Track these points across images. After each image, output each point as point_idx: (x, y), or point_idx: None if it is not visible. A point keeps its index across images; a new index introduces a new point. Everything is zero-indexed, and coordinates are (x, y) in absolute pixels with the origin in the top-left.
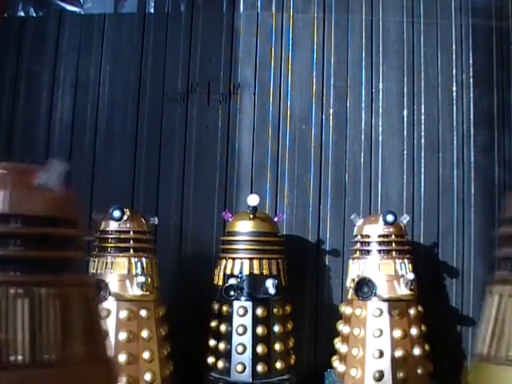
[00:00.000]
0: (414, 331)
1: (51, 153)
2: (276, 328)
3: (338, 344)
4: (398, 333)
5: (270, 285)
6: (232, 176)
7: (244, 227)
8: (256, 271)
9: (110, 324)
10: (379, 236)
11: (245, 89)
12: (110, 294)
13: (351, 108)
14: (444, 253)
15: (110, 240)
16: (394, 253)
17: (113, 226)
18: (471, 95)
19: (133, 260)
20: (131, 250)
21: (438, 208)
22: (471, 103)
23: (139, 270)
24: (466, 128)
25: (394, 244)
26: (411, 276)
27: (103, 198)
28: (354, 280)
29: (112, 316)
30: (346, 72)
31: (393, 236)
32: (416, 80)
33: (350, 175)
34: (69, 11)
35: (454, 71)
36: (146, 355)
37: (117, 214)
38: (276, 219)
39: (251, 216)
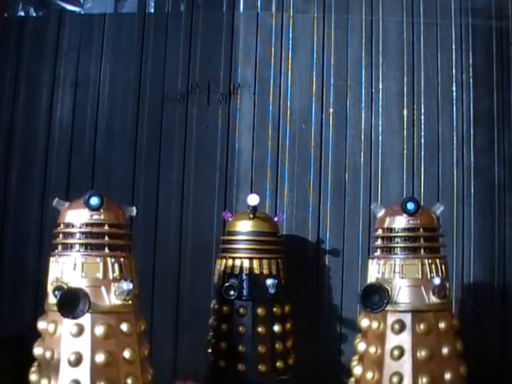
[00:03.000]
0: (445, 350)
1: (51, 153)
2: (276, 328)
3: (354, 363)
4: (423, 352)
5: (270, 285)
6: (232, 176)
7: (244, 227)
8: (256, 271)
9: (83, 344)
10: (403, 230)
11: (245, 89)
12: (89, 307)
13: (351, 108)
14: (444, 253)
15: (78, 235)
16: (421, 251)
17: (82, 217)
18: (471, 95)
19: (109, 260)
20: (106, 248)
21: None
22: (471, 103)
23: (117, 273)
24: (465, 128)
25: (422, 240)
26: (437, 281)
27: None
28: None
29: (86, 333)
30: (346, 72)
31: (421, 230)
32: (416, 80)
33: (349, 175)
34: (69, 11)
35: (454, 71)
36: (129, 381)
37: (95, 201)
38: (276, 219)
39: (251, 216)
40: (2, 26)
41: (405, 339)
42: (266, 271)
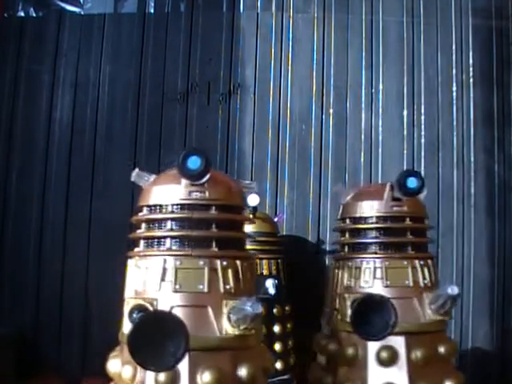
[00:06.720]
0: None
1: (51, 153)
2: (276, 328)
3: None
4: None
5: (269, 285)
6: (232, 176)
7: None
8: (256, 271)
9: None
10: (385, 219)
11: (245, 89)
12: (187, 346)
13: (351, 108)
14: (444, 253)
15: (169, 224)
16: (410, 248)
17: (175, 194)
18: (471, 95)
19: (219, 265)
20: (213, 244)
21: (438, 208)
22: (471, 103)
23: (231, 285)
24: (465, 128)
25: (409, 233)
26: (455, 290)
27: (103, 198)
28: (343, 298)
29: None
30: (346, 72)
31: (407, 220)
32: (416, 80)
33: (350, 175)
34: (69, 11)
35: (454, 71)
36: None
37: (195, 163)
38: (276, 219)
39: (251, 216)
40: (2, 25)
41: (398, 373)
42: (265, 271)
